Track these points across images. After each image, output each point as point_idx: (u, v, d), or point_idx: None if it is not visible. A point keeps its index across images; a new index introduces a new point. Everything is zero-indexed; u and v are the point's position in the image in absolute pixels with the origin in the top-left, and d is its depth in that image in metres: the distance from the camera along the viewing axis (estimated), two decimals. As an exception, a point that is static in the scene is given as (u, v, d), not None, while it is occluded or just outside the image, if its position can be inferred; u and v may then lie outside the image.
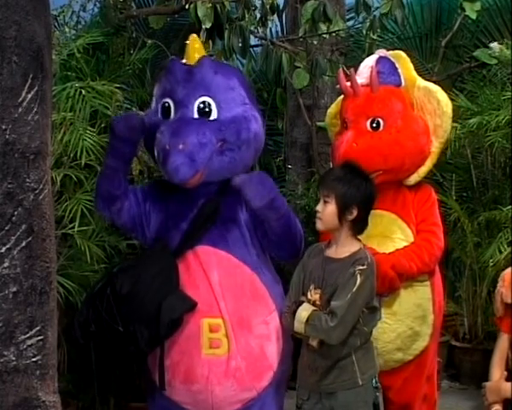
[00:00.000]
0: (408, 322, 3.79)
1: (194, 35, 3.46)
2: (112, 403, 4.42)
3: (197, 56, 3.34)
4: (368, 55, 4.33)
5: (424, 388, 3.94)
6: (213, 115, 3.28)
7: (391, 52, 4.02)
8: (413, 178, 3.89)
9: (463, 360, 5.33)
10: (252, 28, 4.31)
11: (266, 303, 3.34)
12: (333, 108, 4.16)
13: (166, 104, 3.31)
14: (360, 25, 4.62)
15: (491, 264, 4.84)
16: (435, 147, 3.87)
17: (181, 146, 3.13)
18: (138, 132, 3.30)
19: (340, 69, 3.99)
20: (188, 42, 3.41)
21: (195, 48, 3.39)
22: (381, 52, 4.01)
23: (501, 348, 3.32)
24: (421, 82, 3.93)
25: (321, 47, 5.20)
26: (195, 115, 3.26)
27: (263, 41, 4.61)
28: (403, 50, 4.06)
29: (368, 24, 4.39)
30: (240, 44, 4.02)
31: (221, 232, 3.31)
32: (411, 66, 3.96)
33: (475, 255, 5.20)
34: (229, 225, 3.32)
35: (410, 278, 3.76)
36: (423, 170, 3.89)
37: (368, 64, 3.91)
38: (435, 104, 3.84)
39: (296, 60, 4.51)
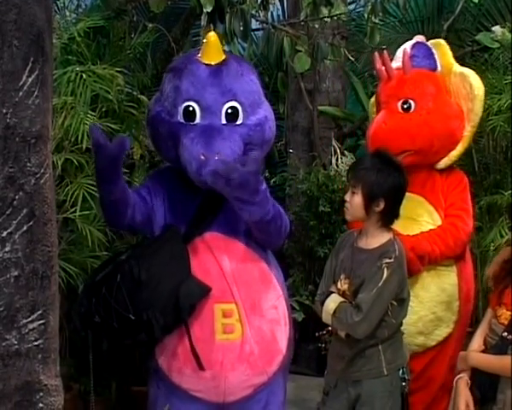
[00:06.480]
0: (430, 306, 3.78)
1: (213, 32, 3.44)
2: (113, 387, 4.44)
3: (217, 55, 3.33)
4: (369, 39, 4.35)
5: (446, 377, 3.84)
6: (240, 119, 3.30)
7: (431, 41, 4.01)
8: (443, 162, 3.90)
9: (465, 344, 5.32)
10: (253, 12, 4.28)
11: (274, 288, 3.37)
12: (374, 98, 4.20)
13: (191, 108, 3.29)
14: (362, 8, 4.61)
15: (492, 248, 4.82)
16: (467, 131, 3.88)
17: (216, 157, 3.15)
18: (120, 160, 3.20)
19: (376, 52, 4.01)
20: (205, 39, 3.38)
21: (215, 45, 3.36)
22: (419, 37, 4.02)
23: (486, 320, 3.29)
24: (457, 68, 3.93)
25: (322, 31, 5.19)
26: (223, 121, 3.28)
27: (264, 25, 4.59)
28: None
29: (369, 7, 4.36)
30: (241, 28, 3.99)
31: (228, 219, 3.33)
32: (450, 53, 3.96)
33: (476, 240, 5.18)
34: (235, 213, 3.31)
35: (432, 261, 3.75)
36: (454, 154, 3.90)
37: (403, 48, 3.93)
38: (468, 88, 3.86)
39: (297, 44, 4.49)
